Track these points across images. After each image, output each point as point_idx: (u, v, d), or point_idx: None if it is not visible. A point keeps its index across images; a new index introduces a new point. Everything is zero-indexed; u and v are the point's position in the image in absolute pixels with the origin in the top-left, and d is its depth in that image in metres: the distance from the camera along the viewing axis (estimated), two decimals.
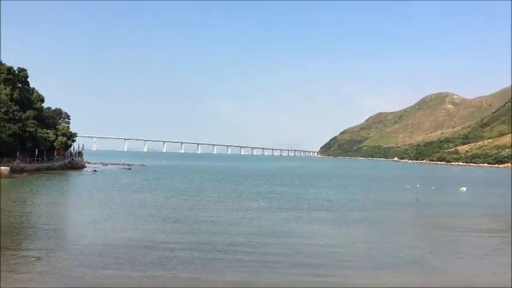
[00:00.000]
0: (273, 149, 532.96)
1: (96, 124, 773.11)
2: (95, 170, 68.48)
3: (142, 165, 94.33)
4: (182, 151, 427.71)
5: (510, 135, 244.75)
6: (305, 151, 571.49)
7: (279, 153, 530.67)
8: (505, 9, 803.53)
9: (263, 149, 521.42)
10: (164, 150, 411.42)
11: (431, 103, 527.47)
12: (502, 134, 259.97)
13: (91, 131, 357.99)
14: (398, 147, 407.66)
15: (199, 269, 14.04)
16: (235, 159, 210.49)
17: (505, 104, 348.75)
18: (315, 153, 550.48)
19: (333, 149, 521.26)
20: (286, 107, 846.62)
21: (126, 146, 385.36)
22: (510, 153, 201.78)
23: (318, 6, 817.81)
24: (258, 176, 69.37)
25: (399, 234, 22.20)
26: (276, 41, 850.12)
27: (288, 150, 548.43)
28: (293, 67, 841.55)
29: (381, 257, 16.70)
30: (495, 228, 24.56)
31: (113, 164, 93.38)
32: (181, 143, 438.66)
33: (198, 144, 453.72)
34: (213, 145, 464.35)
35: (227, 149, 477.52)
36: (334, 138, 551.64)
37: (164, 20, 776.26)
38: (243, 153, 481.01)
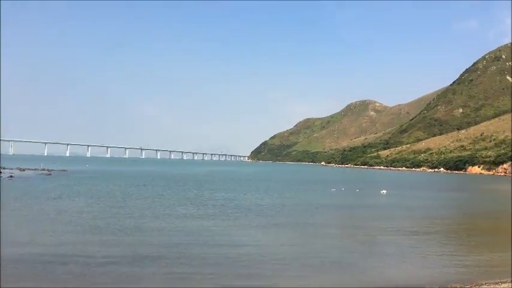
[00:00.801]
0: (203, 154, 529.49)
1: (15, 127, 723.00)
2: (11, 176, 63.53)
3: (64, 170, 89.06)
4: (108, 156, 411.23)
5: (425, 141, 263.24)
6: (236, 156, 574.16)
7: (210, 158, 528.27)
8: (421, 24, 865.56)
9: (193, 153, 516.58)
10: (89, 155, 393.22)
11: (356, 110, 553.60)
12: (418, 140, 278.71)
13: (8, 134, 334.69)
14: (326, 152, 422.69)
15: (123, 280, 13.33)
16: (164, 164, 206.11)
17: (421, 112, 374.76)
18: (246, 157, 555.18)
19: (263, 153, 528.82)
20: (217, 112, 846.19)
21: (46, 150, 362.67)
22: (425, 157, 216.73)
23: (255, 15, 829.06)
24: (187, 181, 68.28)
25: (324, 235, 22.79)
26: (206, 45, 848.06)
27: (219, 154, 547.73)
28: (223, 71, 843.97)
29: (306, 258, 16.99)
30: (411, 229, 25.96)
31: (31, 170, 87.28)
32: (107, 147, 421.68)
33: (125, 148, 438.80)
34: (142, 149, 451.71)
35: (156, 154, 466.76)
36: (265, 143, 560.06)
37: (92, 21, 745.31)
38: (172, 157, 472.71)
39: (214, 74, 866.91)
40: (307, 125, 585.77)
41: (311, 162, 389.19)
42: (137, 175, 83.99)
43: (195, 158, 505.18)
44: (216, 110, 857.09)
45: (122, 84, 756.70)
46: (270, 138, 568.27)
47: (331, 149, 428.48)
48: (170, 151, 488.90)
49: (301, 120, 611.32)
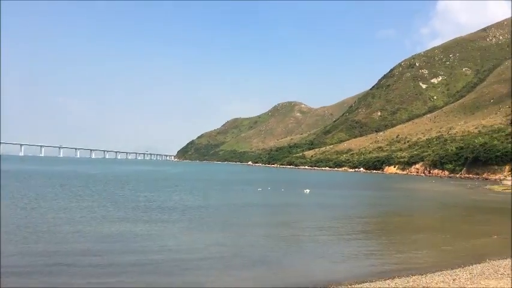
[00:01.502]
0: (127, 153, 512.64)
1: None
2: None
3: None
4: (22, 154, 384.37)
5: (347, 142, 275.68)
6: (162, 155, 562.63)
7: (134, 157, 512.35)
8: (346, 30, 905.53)
9: (117, 152, 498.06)
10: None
11: (283, 111, 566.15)
12: (340, 141, 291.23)
13: None
14: (253, 152, 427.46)
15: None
16: (84, 163, 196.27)
17: (343, 114, 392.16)
18: (172, 157, 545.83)
19: (190, 153, 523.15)
20: (144, 111, 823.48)
21: None
22: (347, 158, 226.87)
23: (186, 14, 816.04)
24: (108, 181, 65.33)
25: (248, 235, 22.77)
26: (136, 43, 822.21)
27: (144, 154, 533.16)
28: (151, 70, 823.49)
29: (231, 258, 16.82)
30: (332, 226, 26.79)
31: None
32: (21, 145, 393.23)
33: (41, 146, 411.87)
34: (60, 147, 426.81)
35: (76, 152, 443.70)
36: (192, 143, 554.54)
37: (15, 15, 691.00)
38: (93, 156, 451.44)
39: (142, 72, 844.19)
40: (235, 125, 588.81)
41: (238, 161, 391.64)
42: (54, 175, 78.90)
43: (118, 157, 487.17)
44: (143, 109, 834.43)
45: (43, 78, 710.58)
46: (197, 138, 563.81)
47: (259, 149, 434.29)
48: (91, 150, 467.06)
49: (229, 119, 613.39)
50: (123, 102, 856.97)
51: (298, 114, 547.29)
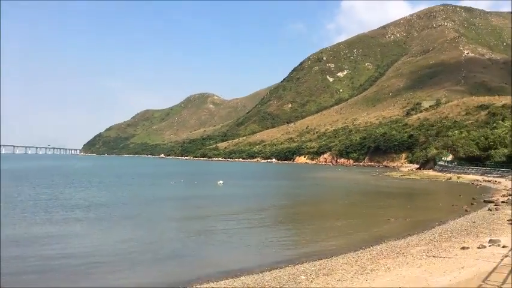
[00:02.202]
0: (26, 147, 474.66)
1: None
2: None
3: None
4: None
5: (259, 133, 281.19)
6: (66, 149, 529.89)
7: (35, 152, 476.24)
8: (257, 24, 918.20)
9: (14, 146, 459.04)
10: None
11: (195, 102, 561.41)
12: (253, 132, 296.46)
13: None
14: (165, 144, 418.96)
15: None
16: None
17: (256, 105, 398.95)
18: (78, 151, 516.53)
19: (97, 146, 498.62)
20: (44, 102, 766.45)
21: None
22: (259, 149, 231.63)
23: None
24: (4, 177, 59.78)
25: (160, 229, 22.23)
26: (41, 31, 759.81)
27: (46, 148, 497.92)
28: (55, 58, 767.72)
29: (140, 254, 16.27)
30: (246, 217, 27.11)
31: None
32: None
33: None
34: None
35: None
36: (99, 135, 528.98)
37: None
38: None
39: (45, 59, 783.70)
40: (146, 117, 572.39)
41: (150, 155, 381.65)
42: None
43: (16, 151, 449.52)
44: (44, 99, 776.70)
45: None
46: (105, 130, 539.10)
47: (171, 142, 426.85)
48: None
49: (139, 111, 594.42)
50: (17, 93, 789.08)
51: (211, 106, 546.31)
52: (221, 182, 55.74)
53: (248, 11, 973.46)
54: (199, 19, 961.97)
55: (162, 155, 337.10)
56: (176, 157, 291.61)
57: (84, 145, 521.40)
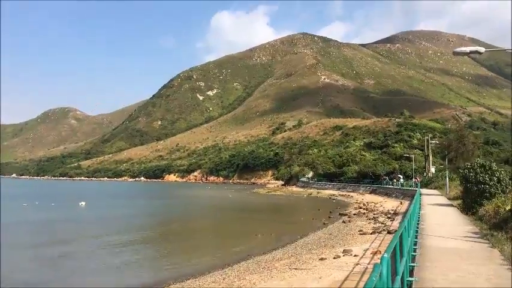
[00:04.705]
0: None
1: None
2: None
3: None
4: None
5: (127, 151, 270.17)
6: None
7: None
8: (125, 36, 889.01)
9: None
10: None
11: (55, 117, 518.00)
12: (120, 150, 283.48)
13: None
14: (18, 163, 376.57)
15: None
16: None
17: (123, 122, 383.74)
18: None
19: None
20: None
21: None
22: (127, 167, 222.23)
23: None
24: None
25: (11, 258, 19.67)
26: None
27: None
28: None
29: None
30: (107, 238, 25.54)
31: None
32: None
33: None
34: None
35: None
36: None
37: None
38: None
39: None
40: None
41: None
42: None
43: None
44: None
45: None
46: None
47: (25, 160, 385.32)
48: None
49: None
50: None
51: (73, 121, 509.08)
52: (83, 203, 51.85)
53: (118, 21, 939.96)
54: (59, 23, 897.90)
55: (13, 175, 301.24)
56: (31, 177, 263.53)
57: None
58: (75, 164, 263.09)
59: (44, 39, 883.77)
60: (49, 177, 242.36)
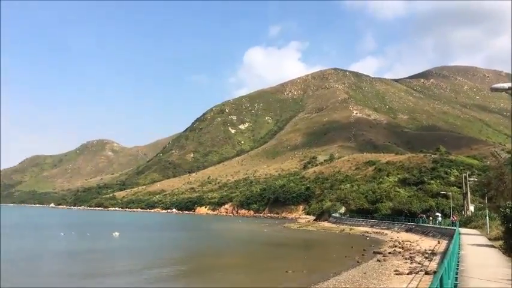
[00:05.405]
0: None
1: None
2: None
3: None
4: None
5: (160, 183, 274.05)
6: None
7: None
8: (161, 73, 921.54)
9: None
10: None
11: (93, 149, 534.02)
12: (153, 182, 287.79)
13: None
14: (56, 193, 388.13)
15: None
16: None
17: (157, 154, 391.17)
18: None
19: None
20: None
21: None
22: (159, 198, 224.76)
23: None
24: None
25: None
26: None
27: None
28: None
29: None
30: (139, 271, 25.78)
31: None
32: None
33: None
34: None
35: None
36: None
37: None
38: None
39: None
40: (35, 163, 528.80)
41: (38, 204, 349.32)
42: None
43: None
44: None
45: None
46: None
47: (63, 190, 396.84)
48: None
49: (28, 156, 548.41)
50: None
51: (110, 153, 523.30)
52: (117, 233, 52.68)
53: (151, 59, 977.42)
54: (96, 62, 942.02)
55: (52, 205, 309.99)
56: (68, 207, 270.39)
57: None
58: (110, 195, 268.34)
59: (83, 76, 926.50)
60: (85, 207, 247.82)
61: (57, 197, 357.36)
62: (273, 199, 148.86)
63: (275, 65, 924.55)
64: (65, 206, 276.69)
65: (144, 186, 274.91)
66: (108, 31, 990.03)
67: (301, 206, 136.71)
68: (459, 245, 18.81)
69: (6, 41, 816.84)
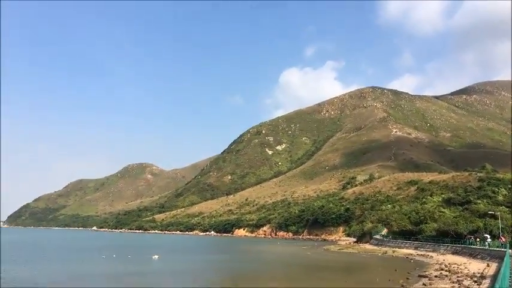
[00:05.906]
0: None
1: None
2: None
3: None
4: None
5: (198, 205, 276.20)
6: None
7: None
8: (196, 96, 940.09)
9: None
10: None
11: (133, 172, 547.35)
12: (192, 204, 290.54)
13: None
14: (98, 216, 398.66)
15: None
16: None
17: (196, 176, 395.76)
18: (1, 222, 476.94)
19: (23, 218, 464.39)
20: None
21: None
22: (198, 221, 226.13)
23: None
24: None
25: None
26: None
27: None
28: None
29: None
30: None
31: None
32: None
33: None
34: None
35: None
36: (26, 206, 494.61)
37: None
38: None
39: None
40: (79, 187, 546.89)
41: (81, 227, 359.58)
42: None
43: None
44: None
45: None
46: (33, 201, 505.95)
47: (105, 213, 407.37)
48: None
49: (72, 181, 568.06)
50: None
51: (149, 176, 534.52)
52: (156, 256, 53.12)
53: (184, 82, 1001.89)
54: (135, 88, 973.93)
55: (94, 228, 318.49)
56: (110, 230, 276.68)
57: (8, 217, 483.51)
58: (150, 218, 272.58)
59: (123, 100, 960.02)
60: (126, 230, 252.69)
61: (99, 220, 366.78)
62: (312, 220, 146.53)
63: (311, 85, 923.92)
64: (106, 229, 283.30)
65: (182, 209, 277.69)
66: (145, 55, 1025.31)
67: (341, 228, 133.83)
68: (510, 268, 17.67)
69: (61, 74, 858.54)
